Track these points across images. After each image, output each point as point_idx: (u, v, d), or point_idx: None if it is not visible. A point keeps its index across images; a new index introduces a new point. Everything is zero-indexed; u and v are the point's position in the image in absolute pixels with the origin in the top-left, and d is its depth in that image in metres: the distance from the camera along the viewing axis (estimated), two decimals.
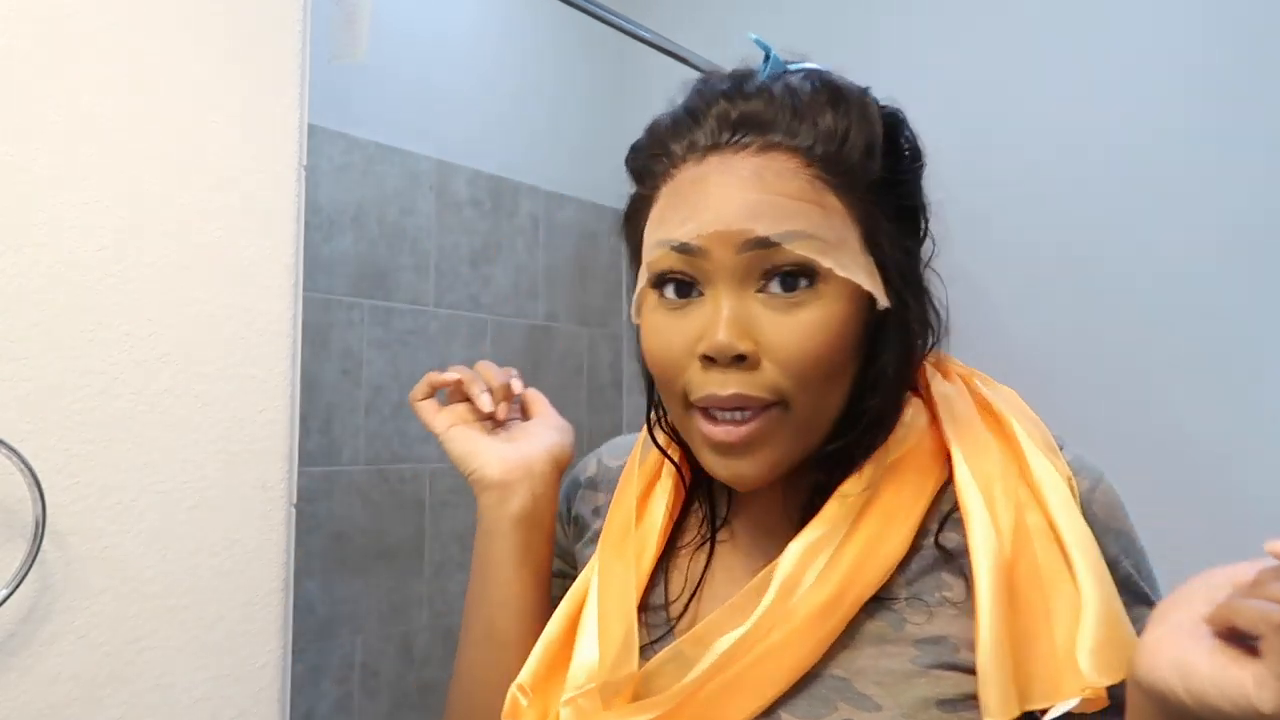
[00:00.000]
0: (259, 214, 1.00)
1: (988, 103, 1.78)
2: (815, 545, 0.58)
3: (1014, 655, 0.54)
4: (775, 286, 0.57)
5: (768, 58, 0.63)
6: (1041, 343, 1.67)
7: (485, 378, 0.75)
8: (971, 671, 0.55)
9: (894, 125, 0.62)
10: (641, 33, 1.55)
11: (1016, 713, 0.52)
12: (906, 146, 0.63)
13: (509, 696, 0.64)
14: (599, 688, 0.59)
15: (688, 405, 0.59)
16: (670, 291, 0.59)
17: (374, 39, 1.20)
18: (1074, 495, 0.58)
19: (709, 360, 0.57)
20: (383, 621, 1.83)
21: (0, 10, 0.83)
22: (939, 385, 0.65)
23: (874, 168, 0.59)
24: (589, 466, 0.79)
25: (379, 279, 1.86)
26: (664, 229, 0.59)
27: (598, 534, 0.71)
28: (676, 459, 0.68)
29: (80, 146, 0.87)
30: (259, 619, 0.98)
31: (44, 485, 0.82)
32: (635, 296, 0.63)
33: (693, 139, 0.60)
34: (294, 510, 1.01)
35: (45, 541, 0.83)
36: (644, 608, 0.65)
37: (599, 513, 0.75)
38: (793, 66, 0.63)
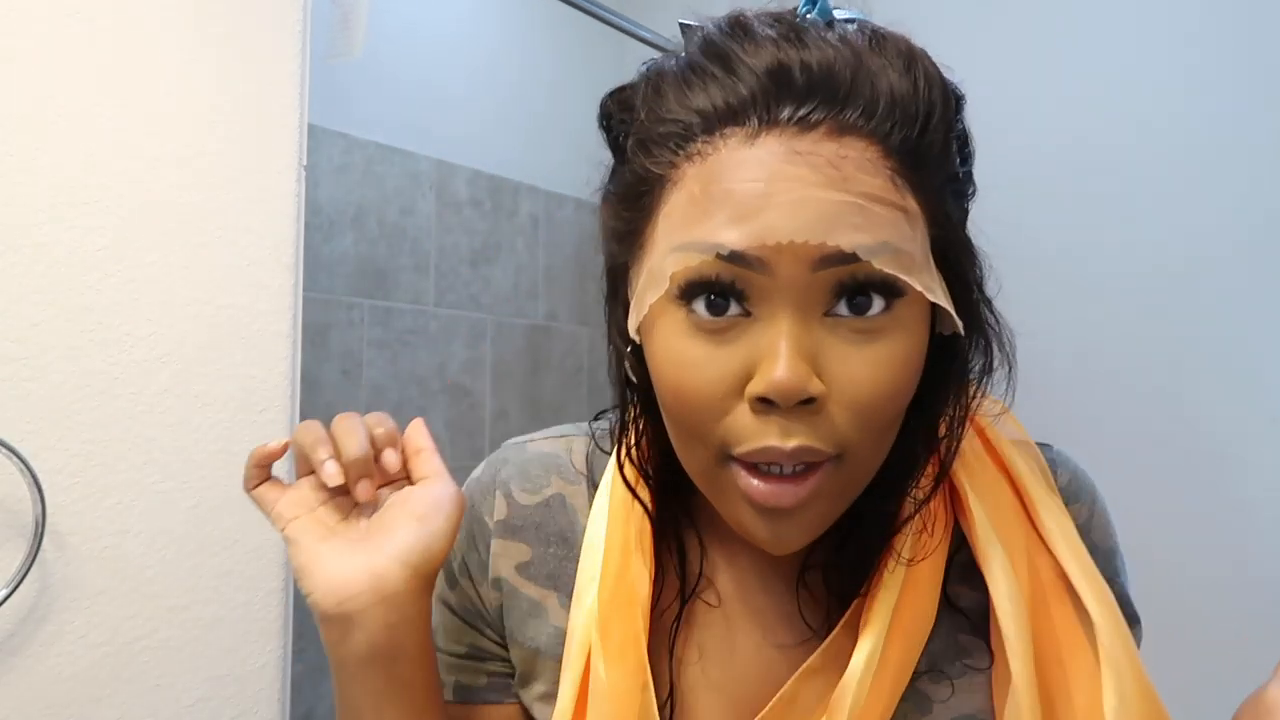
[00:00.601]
0: (259, 214, 0.99)
1: (987, 102, 1.77)
2: (868, 665, 0.49)
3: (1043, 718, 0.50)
4: (843, 308, 0.44)
5: None
6: (1043, 341, 1.67)
7: (340, 440, 0.53)
8: None
9: (960, 103, 0.49)
10: (641, 32, 1.55)
11: None
12: (968, 136, 0.51)
13: None
14: None
15: (726, 457, 0.46)
16: (702, 308, 0.44)
17: (374, 39, 1.20)
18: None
19: (765, 404, 0.43)
20: None
21: (0, 10, 0.83)
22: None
23: (951, 160, 0.47)
24: (494, 505, 0.60)
25: (379, 279, 1.86)
26: (700, 228, 0.44)
27: (537, 606, 0.58)
28: (647, 501, 0.55)
29: (80, 146, 0.87)
30: (259, 619, 0.98)
31: (44, 485, 0.82)
32: (640, 307, 0.46)
33: (731, 104, 0.45)
34: None
35: (45, 541, 0.83)
36: None
37: (529, 571, 0.59)
38: (839, 14, 0.49)
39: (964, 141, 0.50)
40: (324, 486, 0.53)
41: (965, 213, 0.50)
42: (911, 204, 0.45)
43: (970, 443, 0.55)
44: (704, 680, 0.54)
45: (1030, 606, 0.51)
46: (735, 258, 0.43)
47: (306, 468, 0.55)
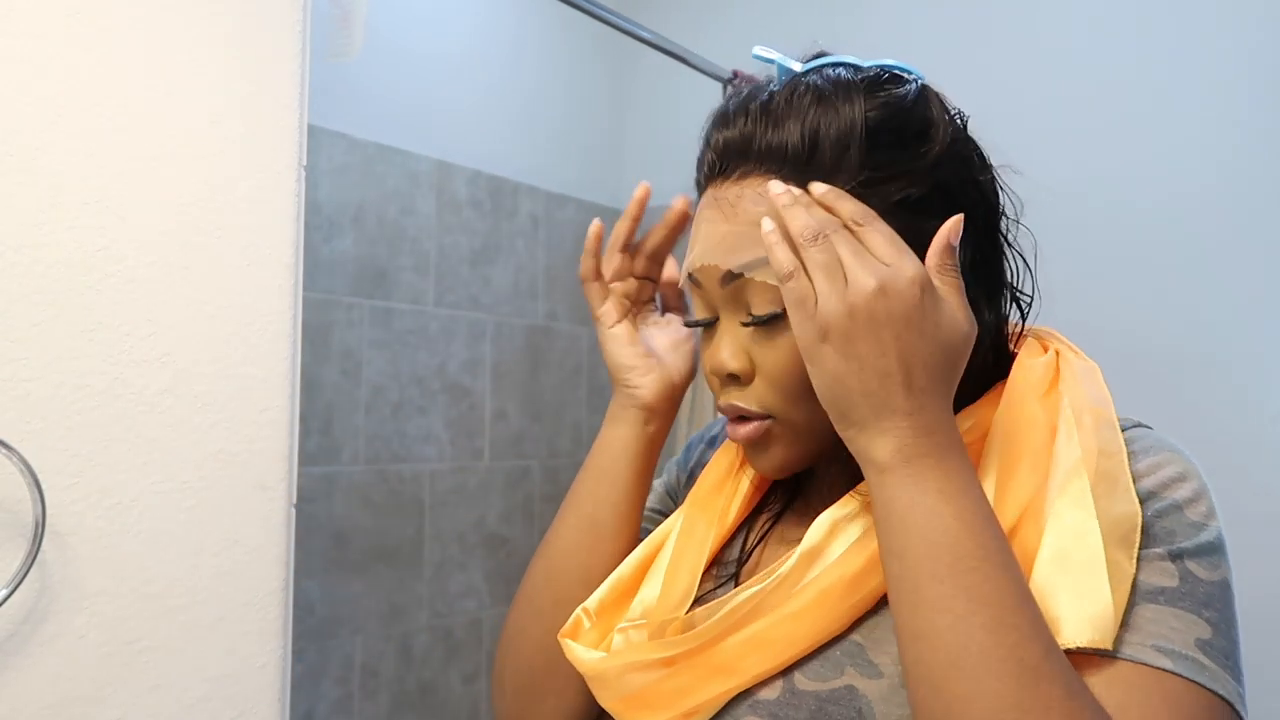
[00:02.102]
0: (259, 214, 0.99)
1: (986, 102, 1.78)
2: (844, 519, 0.61)
3: None
4: (754, 317, 0.62)
5: (779, 69, 0.65)
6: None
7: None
8: None
9: (891, 114, 0.61)
10: (642, 33, 1.55)
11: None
12: (912, 130, 0.61)
13: (574, 616, 0.70)
14: (650, 624, 0.65)
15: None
16: (695, 313, 0.67)
17: (374, 40, 1.20)
18: (1120, 459, 0.58)
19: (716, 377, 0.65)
20: (382, 622, 1.83)
21: (0, 10, 0.83)
22: (1026, 359, 0.65)
23: (850, 170, 0.59)
24: (715, 426, 0.87)
25: (379, 279, 1.86)
26: (686, 256, 0.66)
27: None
28: None
29: (80, 146, 0.87)
30: (259, 619, 0.98)
31: (44, 485, 0.82)
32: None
33: (702, 171, 0.66)
34: (294, 510, 1.01)
35: (45, 541, 0.83)
36: (718, 562, 0.72)
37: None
38: (806, 67, 0.64)
39: (897, 141, 0.60)
40: (625, 302, 0.79)
41: (914, 199, 0.60)
42: None
43: (1034, 385, 0.62)
44: (770, 553, 0.70)
45: (1021, 525, 0.57)
46: (690, 279, 0.65)
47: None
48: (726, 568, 0.71)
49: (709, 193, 0.64)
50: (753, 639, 0.60)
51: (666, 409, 0.76)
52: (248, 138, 0.99)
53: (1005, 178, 0.67)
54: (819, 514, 0.65)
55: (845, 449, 0.60)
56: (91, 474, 0.87)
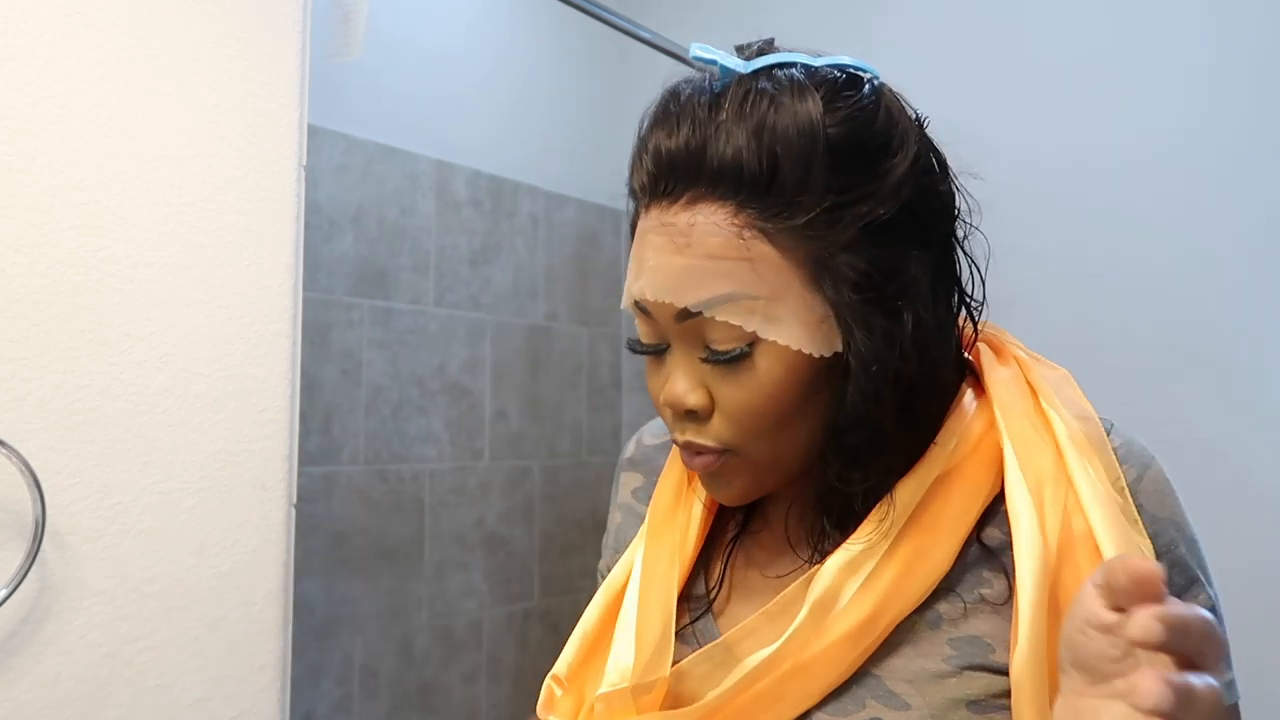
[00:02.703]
0: (259, 214, 1.00)
1: (986, 102, 1.78)
2: (854, 562, 0.57)
3: (1050, 664, 0.52)
4: (709, 354, 0.56)
5: (721, 69, 0.58)
6: (1043, 343, 1.67)
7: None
8: (1004, 673, 0.54)
9: (853, 127, 0.55)
10: (641, 33, 1.55)
11: None
12: (876, 144, 0.56)
13: (545, 687, 0.64)
14: (631, 689, 0.59)
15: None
16: (642, 336, 0.60)
17: (374, 39, 1.20)
18: (1123, 489, 0.57)
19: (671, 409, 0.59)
20: (382, 622, 1.83)
21: (0, 10, 0.83)
22: (994, 372, 0.62)
23: (814, 195, 0.54)
24: (629, 447, 0.79)
25: (379, 279, 1.86)
26: (629, 277, 0.59)
27: (641, 517, 0.71)
28: None
29: (80, 146, 0.87)
30: (259, 619, 0.98)
31: (44, 485, 0.82)
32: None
33: (640, 181, 0.58)
34: (294, 510, 1.01)
35: (45, 541, 0.83)
36: (685, 598, 0.65)
37: (639, 495, 0.75)
38: (751, 66, 0.58)
39: (860, 162, 0.55)
40: None
41: (881, 223, 0.55)
42: (762, 250, 0.54)
43: (1017, 389, 0.61)
44: (744, 580, 0.65)
45: (1060, 554, 0.54)
46: (638, 306, 0.58)
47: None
48: (699, 602, 0.65)
49: (654, 215, 0.56)
50: (766, 695, 0.57)
51: None
52: (248, 138, 0.99)
53: (963, 179, 0.63)
54: (781, 531, 0.64)
55: (808, 471, 0.60)
56: (91, 474, 0.87)
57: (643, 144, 0.58)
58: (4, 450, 0.80)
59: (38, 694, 0.83)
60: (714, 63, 0.57)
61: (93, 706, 0.86)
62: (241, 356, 0.98)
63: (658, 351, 0.60)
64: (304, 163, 1.04)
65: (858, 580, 0.56)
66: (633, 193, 0.60)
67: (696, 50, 0.58)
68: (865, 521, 0.58)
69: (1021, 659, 0.52)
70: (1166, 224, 1.64)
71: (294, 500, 1.01)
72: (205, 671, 0.93)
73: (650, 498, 0.71)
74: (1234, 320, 1.58)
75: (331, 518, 1.76)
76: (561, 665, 0.64)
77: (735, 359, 0.56)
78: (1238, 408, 1.57)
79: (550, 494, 2.16)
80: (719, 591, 0.65)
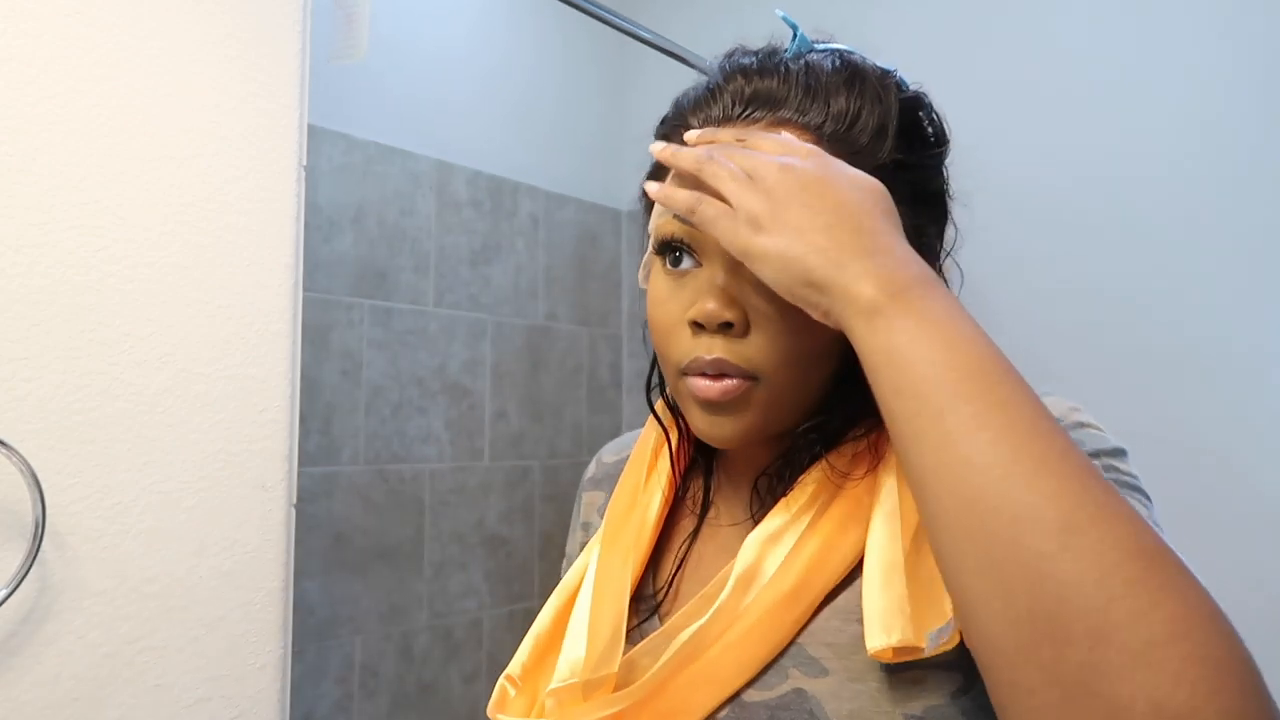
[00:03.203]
0: (259, 214, 1.00)
1: (985, 103, 1.78)
2: (773, 536, 0.58)
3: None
4: None
5: (795, 36, 0.63)
6: (1039, 346, 1.67)
7: None
8: None
9: (914, 108, 0.62)
10: (641, 33, 1.55)
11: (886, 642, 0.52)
12: (929, 131, 0.63)
13: (498, 687, 0.64)
14: (581, 684, 0.60)
15: (680, 372, 0.59)
16: (671, 261, 0.60)
17: (373, 39, 1.20)
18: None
19: (698, 327, 0.57)
20: (382, 621, 1.83)
21: (0, 10, 0.83)
22: None
23: (884, 149, 0.58)
24: (590, 468, 0.80)
25: (379, 279, 1.86)
26: (672, 184, 0.59)
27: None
28: (669, 426, 0.69)
29: (80, 146, 0.87)
30: (259, 619, 0.98)
31: (44, 485, 0.82)
32: (644, 260, 0.63)
33: (709, 113, 0.61)
34: (294, 510, 1.01)
35: (45, 541, 0.83)
36: (638, 597, 0.66)
37: (602, 510, 0.75)
38: (820, 46, 0.63)
39: (917, 137, 0.61)
40: None
41: (921, 195, 0.60)
42: None
43: None
44: (693, 574, 0.66)
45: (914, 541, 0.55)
46: (681, 219, 0.58)
47: None
48: (647, 602, 0.66)
49: (726, 133, 0.59)
50: (700, 673, 0.58)
51: None
52: (248, 138, 0.99)
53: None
54: (744, 520, 0.65)
55: (785, 441, 0.61)
56: (91, 474, 0.87)
57: (717, 84, 0.61)
58: (4, 450, 0.80)
59: (38, 694, 0.83)
60: (796, 26, 0.63)
61: (93, 706, 0.86)
62: (241, 356, 0.98)
63: (690, 257, 0.59)
64: (304, 163, 1.04)
65: (781, 550, 0.58)
66: (685, 127, 0.62)
67: (781, 12, 0.64)
68: (785, 498, 0.59)
69: (869, 583, 0.54)
70: (1166, 232, 1.64)
71: (294, 500, 1.01)
72: (205, 671, 0.93)
73: None
74: (1233, 328, 1.58)
75: (331, 518, 1.76)
76: (515, 665, 0.64)
77: None
78: (1238, 413, 1.57)
79: (550, 494, 2.16)
80: (666, 593, 0.65)
